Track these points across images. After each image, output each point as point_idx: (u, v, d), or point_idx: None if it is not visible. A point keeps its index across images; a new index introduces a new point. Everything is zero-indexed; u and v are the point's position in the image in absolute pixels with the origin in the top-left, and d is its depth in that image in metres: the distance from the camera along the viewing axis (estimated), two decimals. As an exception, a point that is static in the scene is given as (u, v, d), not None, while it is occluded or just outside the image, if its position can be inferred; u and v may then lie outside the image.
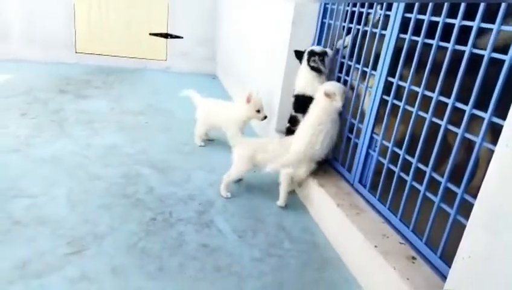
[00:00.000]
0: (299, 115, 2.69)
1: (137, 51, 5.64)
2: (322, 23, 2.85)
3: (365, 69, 2.27)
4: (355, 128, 2.38)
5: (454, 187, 1.62)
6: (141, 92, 4.53)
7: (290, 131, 2.78)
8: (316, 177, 2.46)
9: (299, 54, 2.78)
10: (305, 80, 2.70)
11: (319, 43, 2.88)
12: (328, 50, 2.66)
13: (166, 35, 5.69)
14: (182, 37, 5.70)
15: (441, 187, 1.69)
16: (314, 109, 2.47)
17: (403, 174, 1.94)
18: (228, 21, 5.05)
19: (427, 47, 1.82)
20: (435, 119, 1.76)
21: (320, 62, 2.61)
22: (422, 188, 1.80)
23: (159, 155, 3.00)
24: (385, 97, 2.10)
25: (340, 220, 2.08)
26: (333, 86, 2.44)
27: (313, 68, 2.65)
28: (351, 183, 2.37)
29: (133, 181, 2.57)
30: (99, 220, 2.13)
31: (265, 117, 3.04)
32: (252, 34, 3.98)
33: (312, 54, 2.65)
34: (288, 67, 2.99)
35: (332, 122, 2.44)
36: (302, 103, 2.64)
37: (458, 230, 1.43)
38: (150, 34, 5.65)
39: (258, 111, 3.00)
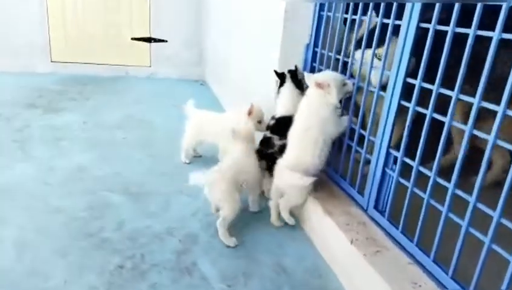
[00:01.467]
0: (275, 137, 2.33)
1: (118, 57, 5.20)
2: (320, 17, 2.42)
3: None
4: (366, 142, 1.95)
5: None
6: (121, 102, 4.08)
7: (262, 155, 2.30)
8: (320, 201, 2.03)
9: (280, 75, 2.42)
10: (289, 99, 2.35)
11: (316, 41, 2.45)
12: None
13: (149, 40, 5.25)
14: (167, 41, 5.26)
15: (493, 223, 1.26)
16: (301, 109, 2.07)
17: (434, 203, 1.51)
18: (215, 22, 4.61)
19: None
20: (477, 132, 1.33)
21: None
22: (464, 223, 1.37)
23: (134, 177, 2.55)
24: (404, 103, 1.67)
25: (355, 261, 1.64)
26: (327, 75, 2.01)
27: (298, 85, 2.35)
28: (364, 209, 1.93)
29: (99, 214, 2.13)
30: (50, 272, 1.68)
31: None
32: (240, 33, 3.55)
33: (296, 70, 2.40)
34: (283, 68, 2.56)
35: (325, 123, 1.99)
36: (284, 125, 2.21)
37: None
38: (132, 38, 5.21)
39: (260, 122, 2.56)
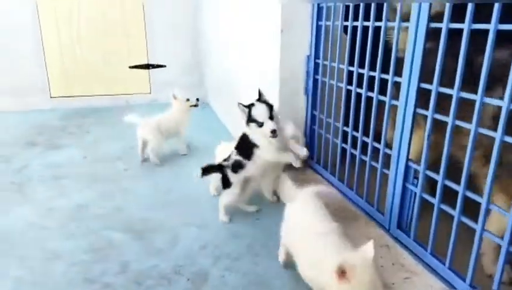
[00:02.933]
0: (234, 152, 2.24)
1: (117, 86, 5.13)
2: (318, 26, 2.30)
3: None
4: (381, 154, 1.79)
5: None
6: (121, 133, 3.97)
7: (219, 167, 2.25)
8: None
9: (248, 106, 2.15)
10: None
11: (317, 52, 2.33)
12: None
13: (147, 66, 5.18)
14: (165, 66, 5.19)
15: None
16: None
17: (465, 219, 1.35)
18: (213, 44, 4.53)
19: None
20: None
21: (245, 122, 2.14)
22: (504, 242, 1.20)
23: (138, 212, 2.41)
24: (421, 111, 1.52)
25: (383, 291, 1.47)
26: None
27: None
28: (386, 229, 1.77)
29: (101, 256, 1.98)
30: (48, 329, 1.54)
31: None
32: (240, 51, 3.45)
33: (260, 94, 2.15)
34: (284, 83, 2.44)
35: None
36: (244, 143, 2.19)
37: None
38: (130, 67, 5.15)
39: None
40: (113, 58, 5.04)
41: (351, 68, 1.99)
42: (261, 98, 2.11)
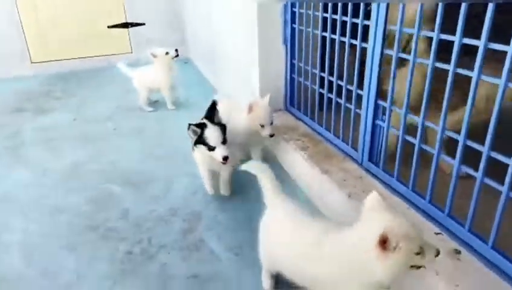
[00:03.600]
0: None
1: (98, 48, 5.08)
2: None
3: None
4: (354, 95, 1.93)
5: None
6: (108, 94, 4.03)
7: None
8: (317, 162, 2.03)
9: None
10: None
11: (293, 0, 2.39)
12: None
13: (126, 25, 5.11)
14: (144, 24, 5.12)
15: (482, 161, 1.27)
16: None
17: (425, 147, 1.52)
18: (193, 2, 4.47)
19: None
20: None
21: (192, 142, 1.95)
22: (456, 161, 1.38)
23: (132, 166, 2.56)
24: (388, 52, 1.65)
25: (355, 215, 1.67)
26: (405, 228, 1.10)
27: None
28: (359, 163, 1.95)
29: (103, 206, 2.15)
30: (61, 268, 1.72)
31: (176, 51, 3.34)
32: (218, 4, 3.45)
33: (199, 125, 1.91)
34: (262, 34, 2.51)
35: None
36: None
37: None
38: (109, 26, 5.07)
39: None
40: (91, 18, 4.95)
41: (325, 15, 2.07)
42: (213, 116, 1.92)
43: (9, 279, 1.69)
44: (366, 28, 1.74)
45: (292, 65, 2.57)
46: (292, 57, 2.54)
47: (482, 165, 1.28)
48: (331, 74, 2.11)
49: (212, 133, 1.85)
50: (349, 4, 1.81)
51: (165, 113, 3.45)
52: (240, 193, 2.18)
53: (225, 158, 1.84)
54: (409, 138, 1.60)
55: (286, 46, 2.56)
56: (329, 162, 2.03)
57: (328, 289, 1.23)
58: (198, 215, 2.03)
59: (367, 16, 1.72)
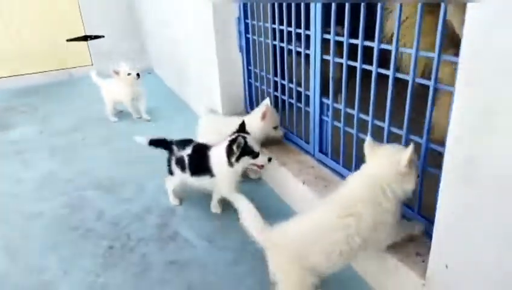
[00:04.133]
0: (187, 151, 2.10)
1: (58, 61, 5.11)
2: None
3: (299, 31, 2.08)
4: (303, 96, 2.21)
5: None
6: (72, 106, 4.11)
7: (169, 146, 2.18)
8: (276, 156, 2.29)
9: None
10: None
11: (245, 12, 2.64)
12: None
13: (85, 38, 5.18)
14: (103, 36, 5.22)
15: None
16: (358, 188, 1.43)
17: (363, 135, 1.82)
18: (150, 7, 4.63)
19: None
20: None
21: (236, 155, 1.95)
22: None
23: (103, 172, 2.71)
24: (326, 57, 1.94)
25: (310, 198, 1.94)
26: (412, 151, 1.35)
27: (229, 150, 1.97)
28: (312, 154, 2.23)
29: (78, 209, 2.29)
30: (47, 265, 1.87)
31: (138, 74, 3.41)
32: (176, 17, 3.65)
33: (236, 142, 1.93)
34: (220, 44, 2.75)
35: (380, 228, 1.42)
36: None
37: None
38: (67, 40, 5.12)
39: (129, 74, 3.36)
40: (50, 32, 4.98)
41: (273, 26, 2.34)
42: (244, 131, 2.02)
43: (-5, 278, 1.81)
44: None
45: (249, 71, 2.82)
46: (248, 64, 2.80)
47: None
48: (283, 78, 2.39)
49: (254, 142, 1.98)
50: (293, 16, 2.08)
51: (130, 123, 3.59)
52: (206, 194, 2.40)
53: (270, 159, 1.99)
54: (349, 129, 1.90)
55: (242, 54, 2.82)
56: (287, 155, 2.30)
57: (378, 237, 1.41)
58: (171, 211, 2.23)
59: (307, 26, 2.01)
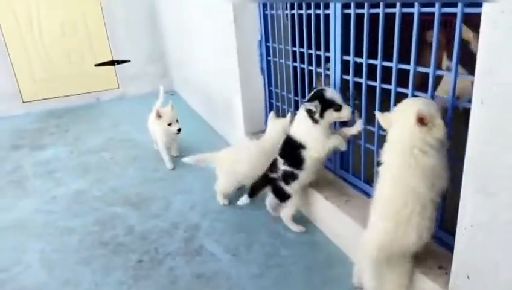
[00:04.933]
0: (281, 161, 2.10)
1: (86, 85, 5.37)
2: (265, 15, 2.75)
3: (319, 52, 2.18)
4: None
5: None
6: (100, 127, 4.31)
7: (267, 180, 2.17)
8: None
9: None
10: (299, 124, 2.05)
11: (266, 36, 2.78)
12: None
13: (112, 63, 5.45)
14: (129, 61, 5.48)
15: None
16: (392, 160, 1.45)
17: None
18: (173, 31, 4.87)
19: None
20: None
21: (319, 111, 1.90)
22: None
23: (132, 189, 2.83)
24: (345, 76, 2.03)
25: (331, 212, 1.99)
26: (429, 105, 1.39)
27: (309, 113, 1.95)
28: (332, 170, 2.29)
29: (109, 225, 2.40)
30: (80, 278, 1.96)
31: (179, 130, 3.01)
32: (199, 40, 3.84)
33: (315, 97, 1.92)
34: (242, 66, 2.88)
35: (431, 175, 1.38)
36: (289, 148, 2.07)
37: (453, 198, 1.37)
38: (96, 64, 5.39)
39: (170, 124, 3.00)
40: (78, 57, 5.26)
41: (294, 48, 2.45)
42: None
43: (33, 289, 1.91)
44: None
45: (270, 92, 2.93)
46: (269, 84, 2.91)
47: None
48: (303, 97, 2.48)
49: (334, 93, 1.91)
50: (313, 39, 2.19)
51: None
52: (231, 206, 2.49)
53: (353, 111, 1.95)
54: (369, 146, 1.96)
55: (264, 75, 2.94)
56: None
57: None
58: (196, 226, 2.31)
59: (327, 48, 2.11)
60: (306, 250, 2.03)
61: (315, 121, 1.92)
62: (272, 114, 2.50)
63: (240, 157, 2.41)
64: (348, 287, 1.75)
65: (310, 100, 1.92)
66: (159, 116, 2.98)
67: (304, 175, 2.04)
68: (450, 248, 1.39)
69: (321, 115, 1.90)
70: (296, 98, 2.57)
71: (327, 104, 1.89)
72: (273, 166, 2.13)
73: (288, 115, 2.44)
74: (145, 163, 3.27)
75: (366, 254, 1.49)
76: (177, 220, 2.39)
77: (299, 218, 2.24)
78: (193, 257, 2.04)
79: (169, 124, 2.99)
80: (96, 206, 2.64)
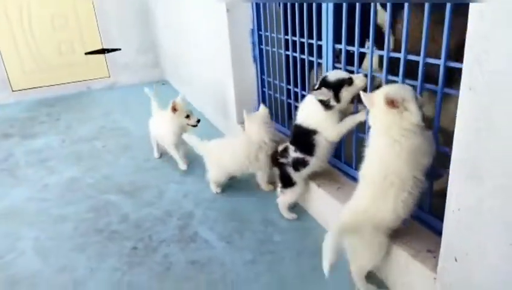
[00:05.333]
0: (292, 148, 2.11)
1: (76, 73, 5.31)
2: (257, 4, 2.74)
3: (312, 41, 2.19)
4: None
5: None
6: (91, 116, 4.28)
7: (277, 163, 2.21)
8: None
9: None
10: (308, 111, 2.04)
11: (258, 24, 2.77)
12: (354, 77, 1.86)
13: (103, 51, 5.38)
14: (120, 49, 5.41)
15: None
16: (373, 142, 1.55)
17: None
18: (165, 21, 4.83)
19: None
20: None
21: (332, 96, 1.87)
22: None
23: (125, 178, 2.83)
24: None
25: (323, 199, 2.03)
26: (401, 90, 1.46)
27: (321, 101, 1.92)
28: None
29: (103, 213, 2.41)
30: (75, 265, 1.98)
31: (198, 121, 2.78)
32: (192, 29, 3.82)
33: (323, 84, 1.89)
34: (235, 55, 2.88)
35: (410, 156, 1.45)
36: (300, 136, 2.08)
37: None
38: (86, 53, 5.33)
39: (188, 116, 2.75)
40: (69, 47, 5.19)
41: (286, 37, 2.46)
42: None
43: (29, 276, 1.92)
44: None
45: (262, 80, 2.94)
46: (262, 73, 2.92)
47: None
48: (296, 85, 2.49)
49: (337, 71, 1.92)
50: (305, 28, 2.20)
51: (147, 131, 3.72)
52: (224, 195, 2.51)
53: (366, 75, 1.84)
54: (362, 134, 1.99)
55: (256, 64, 2.94)
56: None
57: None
58: (190, 214, 2.33)
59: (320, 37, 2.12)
60: (298, 236, 2.07)
61: (329, 108, 1.90)
62: (244, 112, 2.41)
63: (225, 153, 2.42)
64: (337, 272, 1.79)
65: (316, 89, 1.90)
66: (174, 109, 2.69)
67: (315, 161, 2.06)
68: (439, 233, 1.43)
69: (337, 99, 1.87)
70: (289, 86, 2.58)
71: (338, 85, 1.84)
72: (284, 151, 2.14)
73: (261, 106, 2.44)
74: (137, 152, 3.27)
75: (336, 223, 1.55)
76: (170, 208, 2.41)
77: (292, 206, 2.27)
78: (187, 244, 2.06)
79: (187, 116, 2.74)
80: (89, 194, 2.65)
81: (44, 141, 3.65)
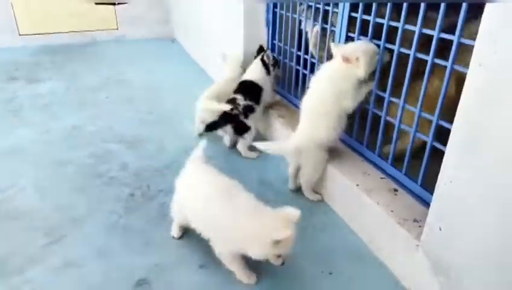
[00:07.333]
0: (239, 97, 2.50)
1: (85, 23, 5.23)
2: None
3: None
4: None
5: (428, 115, 1.61)
6: (96, 67, 4.26)
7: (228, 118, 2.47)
8: (291, 126, 2.41)
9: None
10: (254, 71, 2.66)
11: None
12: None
13: (113, 2, 5.29)
14: (126, 3, 5.31)
15: (416, 117, 1.68)
16: (320, 80, 1.97)
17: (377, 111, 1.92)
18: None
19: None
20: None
21: (272, 63, 2.67)
22: (396, 122, 1.79)
23: (127, 129, 2.86)
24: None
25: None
26: (357, 47, 1.83)
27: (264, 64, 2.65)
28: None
29: (104, 159, 2.45)
30: (74, 204, 2.04)
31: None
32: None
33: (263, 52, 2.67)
34: (247, 16, 2.84)
35: (343, 97, 1.89)
36: (247, 88, 2.59)
37: (437, 158, 1.44)
38: (96, 3, 5.23)
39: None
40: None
41: (301, 0, 2.42)
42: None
43: (26, 212, 1.98)
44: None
45: (273, 45, 2.91)
46: (273, 37, 2.89)
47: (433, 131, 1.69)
48: (306, 52, 2.48)
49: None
50: (323, -6, 2.16)
51: (154, 85, 3.72)
52: (224, 153, 2.55)
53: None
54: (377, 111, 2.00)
55: (268, 28, 2.91)
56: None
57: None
58: (189, 168, 2.37)
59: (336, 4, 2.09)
60: (291, 198, 2.11)
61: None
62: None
63: None
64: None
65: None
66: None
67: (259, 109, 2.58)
68: (428, 205, 1.47)
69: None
70: (299, 53, 2.56)
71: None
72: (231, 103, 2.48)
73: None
74: (140, 105, 3.29)
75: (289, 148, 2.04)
76: (170, 162, 2.45)
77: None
78: (184, 196, 2.11)
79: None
80: (91, 141, 2.68)
81: (49, 86, 3.65)
